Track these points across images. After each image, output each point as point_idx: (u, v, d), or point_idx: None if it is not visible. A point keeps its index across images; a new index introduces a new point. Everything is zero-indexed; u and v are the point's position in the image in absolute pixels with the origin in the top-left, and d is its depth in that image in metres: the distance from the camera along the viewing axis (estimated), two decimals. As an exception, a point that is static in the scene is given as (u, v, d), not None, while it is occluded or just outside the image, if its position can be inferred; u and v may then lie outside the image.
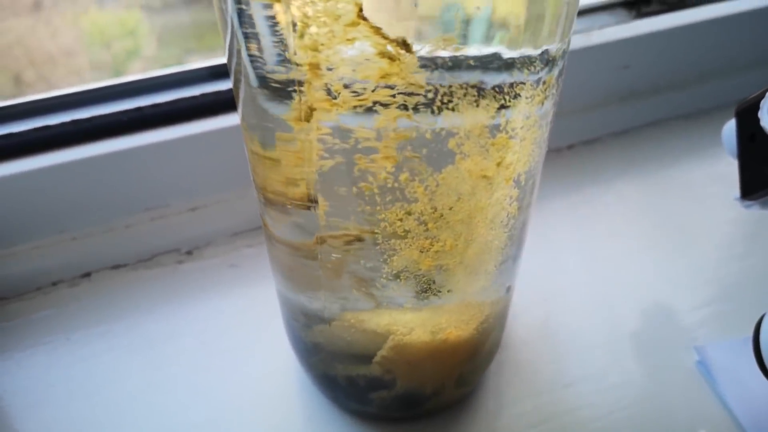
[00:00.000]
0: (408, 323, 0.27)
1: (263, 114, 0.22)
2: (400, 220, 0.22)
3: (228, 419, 0.34)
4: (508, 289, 0.30)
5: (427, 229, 0.23)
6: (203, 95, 0.40)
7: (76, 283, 0.41)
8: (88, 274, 0.41)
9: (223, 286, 0.41)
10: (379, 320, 0.28)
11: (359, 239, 0.25)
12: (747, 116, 0.34)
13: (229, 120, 0.40)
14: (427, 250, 0.23)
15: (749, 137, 0.34)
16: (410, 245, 0.23)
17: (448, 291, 0.25)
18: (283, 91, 0.21)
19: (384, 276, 0.24)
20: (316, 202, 0.25)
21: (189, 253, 0.43)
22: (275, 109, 0.22)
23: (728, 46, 0.52)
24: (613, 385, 0.36)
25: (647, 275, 0.42)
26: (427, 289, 0.25)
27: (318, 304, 0.29)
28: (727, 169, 0.48)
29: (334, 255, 0.26)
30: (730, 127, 0.37)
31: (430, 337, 0.27)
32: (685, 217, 0.46)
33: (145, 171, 0.40)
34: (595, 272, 0.42)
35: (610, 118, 0.51)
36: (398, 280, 0.24)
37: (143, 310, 0.40)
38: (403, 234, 0.23)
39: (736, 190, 0.35)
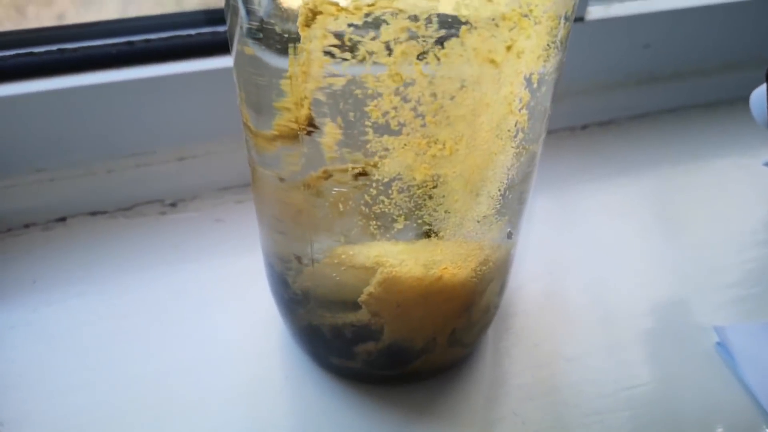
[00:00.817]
0: (399, 254, 0.25)
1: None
2: (395, 108, 0.19)
3: (200, 375, 0.31)
4: (510, 235, 0.27)
5: (425, 124, 0.20)
6: (199, 34, 0.38)
7: (50, 227, 0.38)
8: (63, 219, 0.39)
9: (206, 240, 0.38)
10: (369, 252, 0.25)
11: (363, 173, 0.23)
12: (779, 76, 0.32)
13: (227, 62, 0.38)
14: (424, 153, 0.21)
15: (781, 96, 0.32)
16: (404, 144, 0.20)
17: (446, 212, 0.23)
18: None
19: (374, 187, 0.22)
20: (318, 128, 0.23)
21: (173, 204, 0.40)
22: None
23: (758, 33, 0.49)
24: (621, 362, 0.33)
25: (662, 257, 0.39)
26: (422, 206, 0.22)
27: (308, 242, 0.26)
28: (749, 160, 0.46)
29: (335, 190, 0.24)
30: (759, 93, 0.35)
31: (422, 272, 0.25)
32: (703, 203, 0.43)
33: (133, 111, 0.38)
34: (607, 250, 0.39)
35: (628, 100, 0.49)
36: (390, 191, 0.22)
37: (119, 259, 0.37)
38: (396, 128, 0.20)
39: (766, 157, 0.33)
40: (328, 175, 0.25)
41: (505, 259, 0.28)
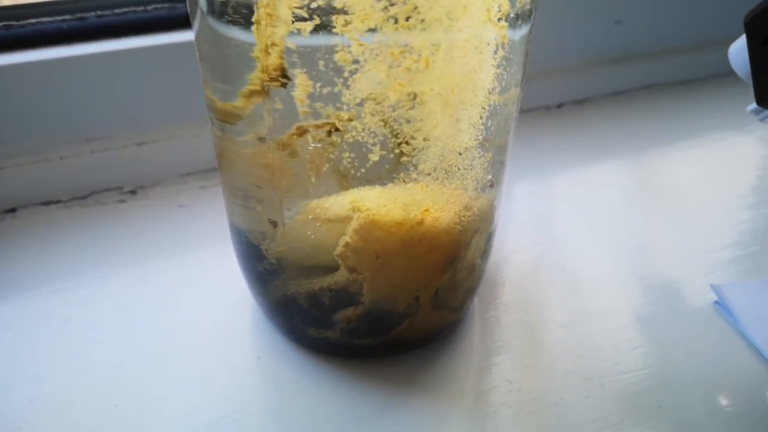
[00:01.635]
0: (376, 199, 0.22)
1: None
2: (364, 12, 0.18)
3: (167, 361, 0.28)
4: (492, 184, 0.25)
5: (397, 28, 0.18)
6: (156, 8, 0.36)
7: (-1, 219, 0.36)
8: (13, 210, 0.36)
9: (170, 227, 0.36)
10: (344, 200, 0.23)
11: (336, 129, 0.21)
12: (758, 22, 0.31)
13: (187, 36, 0.36)
14: (398, 66, 0.19)
15: (763, 40, 0.31)
16: (376, 55, 0.18)
17: (425, 139, 0.21)
18: None
19: (346, 112, 0.20)
20: (290, 80, 0.21)
21: (133, 192, 0.38)
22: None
23: (727, 11, 0.49)
24: (617, 326, 0.31)
25: (650, 224, 0.38)
26: (398, 132, 0.20)
27: (282, 204, 0.24)
28: (727, 133, 0.45)
29: (311, 146, 0.22)
30: (738, 46, 0.34)
31: (402, 215, 0.22)
32: (686, 174, 0.42)
33: (88, 92, 0.35)
34: (592, 221, 0.38)
35: (602, 78, 0.48)
36: (363, 115, 0.20)
37: (75, 251, 0.34)
38: (367, 34, 0.18)
39: (750, 102, 0.31)
40: (302, 132, 0.23)
41: (488, 211, 0.26)
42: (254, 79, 0.22)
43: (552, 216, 0.38)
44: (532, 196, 0.40)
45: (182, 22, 0.36)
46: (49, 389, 0.27)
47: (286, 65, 0.21)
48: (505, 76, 0.21)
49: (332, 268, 0.25)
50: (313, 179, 0.23)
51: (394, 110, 0.20)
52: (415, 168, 0.21)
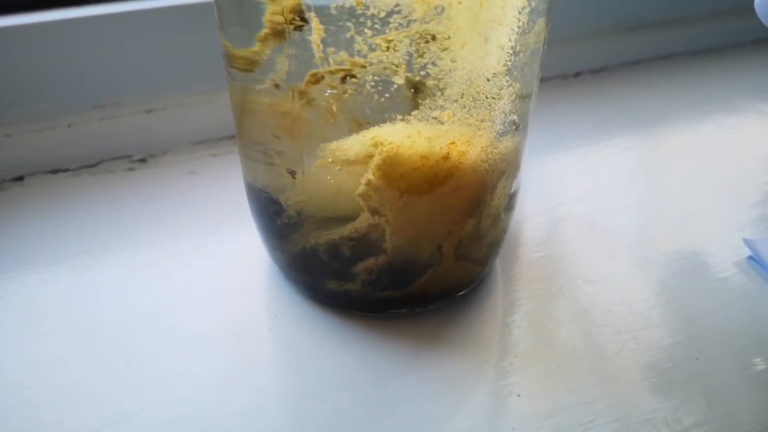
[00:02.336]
0: (399, 132, 0.21)
1: None
2: None
3: (181, 319, 0.27)
4: (517, 127, 0.24)
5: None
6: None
7: (6, 188, 0.35)
8: (20, 178, 0.35)
9: (181, 193, 0.35)
10: (365, 138, 0.22)
11: (352, 75, 0.20)
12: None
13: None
14: (424, -26, 0.18)
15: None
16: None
17: (452, 60, 0.20)
18: None
19: (370, 27, 0.19)
20: (308, 22, 0.20)
21: (142, 160, 0.37)
22: None
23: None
24: (649, 281, 0.29)
25: (673, 186, 0.36)
26: (424, 51, 0.19)
27: (302, 152, 0.23)
28: (746, 102, 0.44)
29: (327, 92, 0.21)
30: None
31: (426, 148, 0.21)
32: (707, 140, 0.41)
33: (96, 56, 0.35)
34: (615, 183, 0.37)
35: (619, 47, 0.47)
36: (387, 30, 0.19)
37: (84, 219, 0.33)
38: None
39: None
40: (317, 79, 0.22)
41: (514, 154, 0.25)
42: (269, 21, 0.22)
43: (574, 179, 0.37)
44: (551, 163, 0.38)
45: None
46: (58, 348, 0.26)
47: (303, 6, 0.20)
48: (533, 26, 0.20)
49: (352, 217, 0.24)
50: (332, 124, 0.22)
51: (420, 24, 0.19)
52: (442, 93, 0.20)
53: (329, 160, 0.23)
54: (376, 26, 0.19)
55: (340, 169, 0.23)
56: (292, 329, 0.27)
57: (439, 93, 0.20)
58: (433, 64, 0.20)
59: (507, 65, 0.21)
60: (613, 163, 0.38)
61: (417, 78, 0.20)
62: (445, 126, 0.21)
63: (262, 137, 0.25)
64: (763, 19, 0.33)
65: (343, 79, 0.21)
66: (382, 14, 0.18)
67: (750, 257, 0.30)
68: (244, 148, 0.27)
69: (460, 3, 0.18)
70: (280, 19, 0.21)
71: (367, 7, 0.18)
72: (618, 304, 0.28)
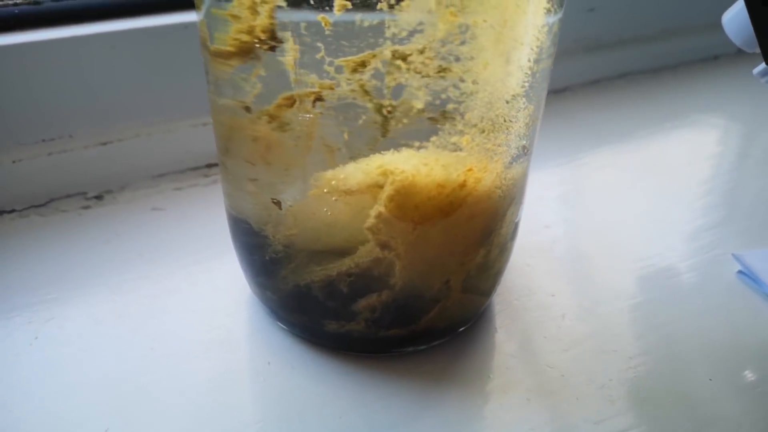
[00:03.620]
0: (410, 160, 0.20)
1: None
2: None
3: (159, 375, 0.24)
4: (526, 152, 0.23)
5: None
6: (120, -9, 0.32)
7: (-58, 234, 0.31)
8: (-42, 222, 0.31)
9: (145, 231, 0.32)
10: (369, 167, 0.20)
11: (320, 98, 0.19)
12: (757, -16, 0.31)
13: (154, 21, 0.33)
14: (451, -9, 0.16)
15: (763, 1, 0.31)
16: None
17: (474, 82, 0.18)
18: None
19: (392, 57, 0.17)
20: (282, 42, 0.19)
21: (98, 198, 0.34)
22: None
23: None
24: (643, 302, 0.29)
25: (654, 203, 0.36)
26: (446, 71, 0.18)
27: (288, 179, 0.21)
28: (706, 116, 0.45)
29: (301, 117, 0.20)
30: (732, 14, 0.33)
31: (443, 176, 0.20)
32: (677, 155, 0.42)
33: (43, 85, 0.31)
34: (597, 202, 0.36)
35: (579, 67, 0.47)
36: (409, 56, 0.17)
37: (34, 263, 0.30)
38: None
39: (756, 66, 0.31)
40: (291, 102, 0.20)
41: (522, 180, 0.24)
42: (234, 39, 0.20)
43: (555, 200, 0.36)
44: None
45: (149, 6, 0.33)
46: (20, 418, 0.22)
47: (276, 26, 0.18)
48: (552, 12, 0.19)
49: (349, 250, 0.22)
50: (317, 148, 0.20)
51: (443, 45, 0.17)
52: (462, 117, 0.19)
53: (324, 190, 0.22)
54: (396, 47, 0.17)
55: (336, 200, 0.22)
56: (288, 377, 0.24)
57: (459, 117, 0.19)
58: (455, 87, 0.18)
59: (524, 86, 0.20)
60: (588, 183, 0.38)
61: (436, 103, 0.18)
62: (463, 152, 0.20)
63: (240, 164, 0.23)
64: (731, 36, 0.33)
65: (314, 103, 0.20)
66: (404, 34, 0.17)
67: (740, 272, 0.30)
68: (225, 172, 0.25)
69: (485, 21, 0.17)
70: (247, 38, 0.19)
71: (387, 27, 0.17)
72: (623, 326, 0.27)
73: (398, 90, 0.18)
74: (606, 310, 0.28)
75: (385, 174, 0.20)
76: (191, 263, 0.30)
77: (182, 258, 0.30)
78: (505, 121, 0.20)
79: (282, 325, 0.26)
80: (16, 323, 0.26)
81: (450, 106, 0.19)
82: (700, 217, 0.35)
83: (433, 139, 0.19)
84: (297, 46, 0.19)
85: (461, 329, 0.26)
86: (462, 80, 0.18)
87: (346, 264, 0.23)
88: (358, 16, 0.17)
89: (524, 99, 0.20)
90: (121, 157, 0.34)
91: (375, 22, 0.17)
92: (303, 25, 0.18)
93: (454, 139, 0.19)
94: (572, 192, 0.37)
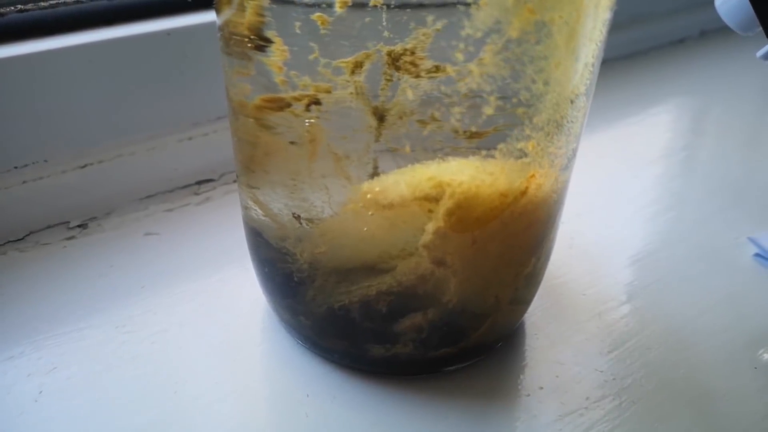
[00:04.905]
0: (464, 170, 0.18)
1: None
2: None
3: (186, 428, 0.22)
4: (575, 152, 0.22)
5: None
6: (92, 1, 0.30)
7: None
8: (-74, 266, 0.28)
9: (141, 259, 0.29)
10: (414, 179, 0.19)
11: (317, 102, 0.18)
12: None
13: (130, 30, 0.30)
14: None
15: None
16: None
17: (545, 83, 0.17)
18: None
19: (459, 49, 0.16)
20: (270, 42, 0.18)
21: (82, 226, 0.31)
22: None
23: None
24: (677, 292, 0.28)
25: (663, 191, 0.36)
26: (520, 73, 0.16)
27: (304, 187, 0.19)
28: (680, 99, 0.45)
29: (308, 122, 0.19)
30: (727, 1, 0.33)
31: (506, 185, 0.19)
32: (666, 140, 0.42)
33: (11, 107, 0.28)
34: (592, 192, 0.36)
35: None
36: (482, 55, 0.16)
37: (21, 305, 0.27)
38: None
39: (759, 49, 0.31)
40: (279, 105, 0.18)
41: (567, 185, 0.23)
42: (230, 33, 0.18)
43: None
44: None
45: (123, 14, 0.30)
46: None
47: (263, 24, 0.17)
48: (613, 7, 0.18)
49: (386, 267, 0.21)
50: (329, 160, 0.19)
51: (518, 45, 0.16)
52: (530, 120, 0.18)
53: (360, 205, 0.20)
54: (469, 49, 0.16)
55: (372, 215, 0.20)
56: (331, 408, 0.23)
57: (527, 121, 0.17)
58: (527, 89, 0.17)
59: (586, 85, 0.19)
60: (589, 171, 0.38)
61: (508, 107, 0.17)
62: (527, 158, 0.18)
63: (244, 172, 0.22)
64: (725, 19, 0.33)
65: (308, 107, 0.18)
66: (479, 34, 0.15)
67: (757, 254, 0.30)
68: (239, 186, 0.23)
69: (560, 18, 0.16)
70: (237, 36, 0.18)
71: (462, 28, 0.15)
72: (660, 320, 0.27)
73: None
74: (639, 305, 0.28)
75: (439, 186, 0.19)
76: (199, 290, 0.28)
77: (188, 285, 0.28)
78: (567, 122, 0.19)
79: (316, 352, 0.24)
80: (14, 377, 0.23)
81: (519, 110, 0.17)
82: (705, 202, 0.35)
83: (501, 146, 0.18)
84: (286, 47, 0.17)
85: (507, 340, 0.25)
86: (534, 81, 0.17)
87: (386, 282, 0.21)
88: (406, 15, 0.15)
89: (584, 98, 0.19)
90: (103, 181, 0.31)
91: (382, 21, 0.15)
92: (297, 24, 0.17)
93: (520, 144, 0.18)
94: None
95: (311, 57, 0.17)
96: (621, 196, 0.35)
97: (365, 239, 0.21)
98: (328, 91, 0.18)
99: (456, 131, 0.17)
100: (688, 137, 0.42)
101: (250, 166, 0.22)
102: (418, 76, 0.16)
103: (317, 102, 0.18)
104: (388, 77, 0.17)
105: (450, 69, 0.16)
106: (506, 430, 0.22)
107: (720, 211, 0.34)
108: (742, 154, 0.40)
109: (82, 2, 0.29)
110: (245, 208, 0.23)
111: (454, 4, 0.15)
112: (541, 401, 0.23)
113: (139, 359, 0.24)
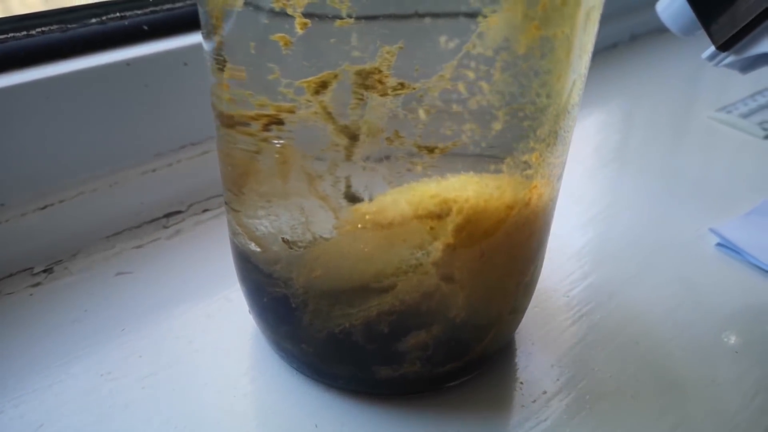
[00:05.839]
0: (467, 184, 0.19)
1: None
2: None
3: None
4: (563, 169, 0.22)
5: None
6: (44, 32, 0.28)
7: None
8: None
9: (116, 301, 0.28)
10: (414, 197, 0.19)
11: (278, 122, 0.18)
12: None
13: (92, 61, 0.28)
14: (536, 4, 0.15)
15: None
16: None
17: (547, 96, 0.17)
18: None
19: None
20: (225, 61, 0.19)
21: (47, 271, 0.29)
22: None
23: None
24: (650, 287, 0.30)
25: (609, 188, 0.38)
26: (526, 88, 0.17)
27: (295, 214, 0.19)
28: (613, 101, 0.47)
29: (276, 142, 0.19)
30: (664, 3, 0.35)
31: (512, 197, 0.19)
32: (611, 138, 0.44)
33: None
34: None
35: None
36: (492, 72, 0.16)
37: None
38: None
39: (705, 50, 0.33)
40: (230, 123, 0.19)
41: (558, 194, 0.23)
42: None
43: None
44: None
45: (79, 46, 0.29)
46: None
47: (222, 39, 0.17)
48: (599, 20, 0.19)
49: (385, 287, 0.21)
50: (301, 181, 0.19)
51: (525, 61, 0.16)
52: (534, 133, 0.18)
53: (359, 225, 0.20)
54: (481, 66, 0.16)
55: (372, 234, 0.20)
56: (341, 435, 0.22)
57: (532, 133, 0.18)
58: (532, 103, 0.17)
59: (580, 95, 0.19)
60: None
61: (514, 120, 0.17)
62: (531, 170, 0.19)
63: (230, 194, 0.22)
64: (667, 23, 0.35)
65: (266, 126, 0.18)
66: (489, 52, 0.16)
67: (719, 244, 0.32)
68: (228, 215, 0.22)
69: (563, 32, 0.16)
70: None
71: (473, 46, 0.16)
72: (644, 313, 0.28)
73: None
74: (622, 300, 0.29)
75: (445, 203, 0.19)
76: (184, 328, 0.27)
77: (171, 323, 0.27)
78: (563, 132, 0.19)
79: (318, 379, 0.24)
80: (-3, 439, 0.22)
81: (525, 123, 0.18)
82: (660, 200, 0.36)
83: (508, 159, 0.18)
84: (236, 66, 0.18)
85: (506, 349, 0.25)
86: (538, 95, 0.17)
87: (387, 301, 0.21)
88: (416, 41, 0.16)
89: (577, 107, 0.20)
90: (66, 221, 0.29)
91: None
92: (252, 45, 0.17)
93: (525, 157, 0.18)
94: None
95: (271, 77, 0.17)
96: (574, 200, 0.36)
97: (363, 260, 0.21)
98: (291, 111, 0.18)
99: (467, 145, 0.17)
100: (632, 138, 0.44)
101: (232, 188, 0.22)
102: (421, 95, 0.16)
103: (279, 122, 0.18)
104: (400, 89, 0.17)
105: (461, 86, 0.16)
106: (520, 438, 0.22)
107: (676, 207, 0.36)
108: (685, 150, 0.42)
109: (33, 35, 0.28)
110: (234, 234, 0.23)
111: (462, 16, 0.15)
112: (548, 405, 0.23)
113: (133, 406, 0.23)
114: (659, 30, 0.55)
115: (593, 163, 0.40)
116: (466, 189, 0.19)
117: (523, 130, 0.18)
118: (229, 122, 0.20)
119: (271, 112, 0.18)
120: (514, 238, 0.20)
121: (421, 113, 0.17)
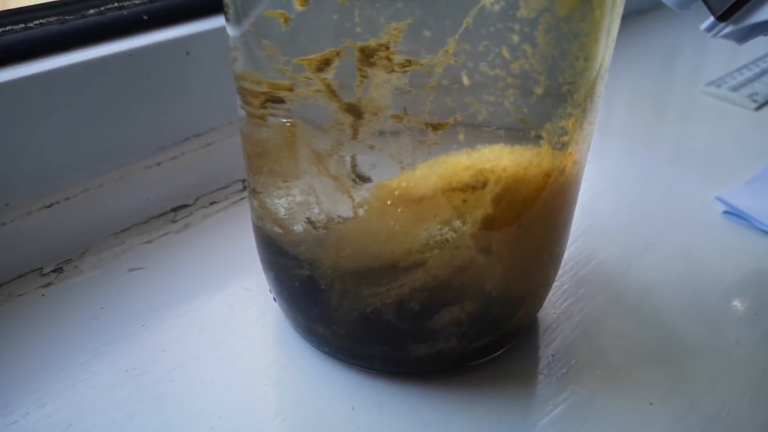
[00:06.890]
0: (501, 154, 0.18)
1: None
2: None
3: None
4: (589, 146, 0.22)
5: None
6: (41, 24, 0.27)
7: None
8: None
9: (131, 296, 0.27)
10: (446, 169, 0.19)
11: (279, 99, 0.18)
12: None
13: (89, 54, 0.28)
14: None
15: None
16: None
17: (585, 60, 0.17)
18: None
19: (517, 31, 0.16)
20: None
21: (57, 270, 0.28)
22: None
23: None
24: (665, 257, 0.30)
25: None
26: (567, 52, 0.17)
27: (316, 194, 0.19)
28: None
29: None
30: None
31: (549, 164, 0.19)
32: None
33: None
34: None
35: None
36: (536, 35, 0.16)
37: (5, 364, 0.24)
38: None
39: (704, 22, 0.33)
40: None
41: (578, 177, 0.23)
42: None
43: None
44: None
45: (80, 37, 0.28)
46: None
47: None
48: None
49: (415, 263, 0.20)
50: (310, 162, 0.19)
51: (567, 23, 0.16)
52: (572, 97, 0.18)
53: (388, 202, 0.20)
54: (524, 30, 0.16)
55: (402, 211, 0.20)
56: (381, 417, 0.22)
57: (570, 98, 0.18)
58: (570, 66, 0.17)
59: (610, 59, 0.19)
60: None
61: (554, 85, 0.17)
62: (567, 136, 0.19)
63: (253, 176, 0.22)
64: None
65: (263, 104, 0.19)
66: (534, 14, 0.16)
67: (725, 212, 0.33)
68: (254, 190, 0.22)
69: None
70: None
71: (517, 8, 0.15)
72: (663, 286, 0.28)
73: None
74: (639, 270, 0.29)
75: (481, 174, 0.19)
76: (205, 319, 0.26)
77: (191, 316, 0.26)
78: (596, 97, 0.19)
79: (351, 362, 0.24)
80: (26, 442, 0.21)
81: (564, 88, 0.17)
82: (666, 172, 0.37)
83: (547, 125, 0.18)
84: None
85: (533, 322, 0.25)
86: (576, 58, 0.17)
87: (420, 278, 0.21)
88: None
89: (608, 72, 0.20)
90: (72, 219, 0.29)
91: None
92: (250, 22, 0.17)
93: (563, 123, 0.18)
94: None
95: (263, 54, 0.17)
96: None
97: (393, 237, 0.20)
98: (290, 89, 0.18)
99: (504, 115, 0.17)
100: (630, 114, 0.44)
101: (252, 169, 0.21)
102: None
103: (279, 100, 0.18)
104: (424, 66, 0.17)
105: (505, 51, 0.16)
106: (560, 407, 0.22)
107: (681, 179, 0.36)
108: (682, 124, 0.43)
109: (31, 28, 0.27)
110: (258, 218, 0.22)
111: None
112: (580, 375, 0.24)
113: (162, 401, 0.23)
114: (638, 11, 0.56)
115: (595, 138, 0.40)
116: (501, 159, 0.19)
117: (561, 95, 0.17)
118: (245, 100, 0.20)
119: (265, 89, 0.18)
120: (550, 207, 0.20)
121: (465, 80, 0.16)
